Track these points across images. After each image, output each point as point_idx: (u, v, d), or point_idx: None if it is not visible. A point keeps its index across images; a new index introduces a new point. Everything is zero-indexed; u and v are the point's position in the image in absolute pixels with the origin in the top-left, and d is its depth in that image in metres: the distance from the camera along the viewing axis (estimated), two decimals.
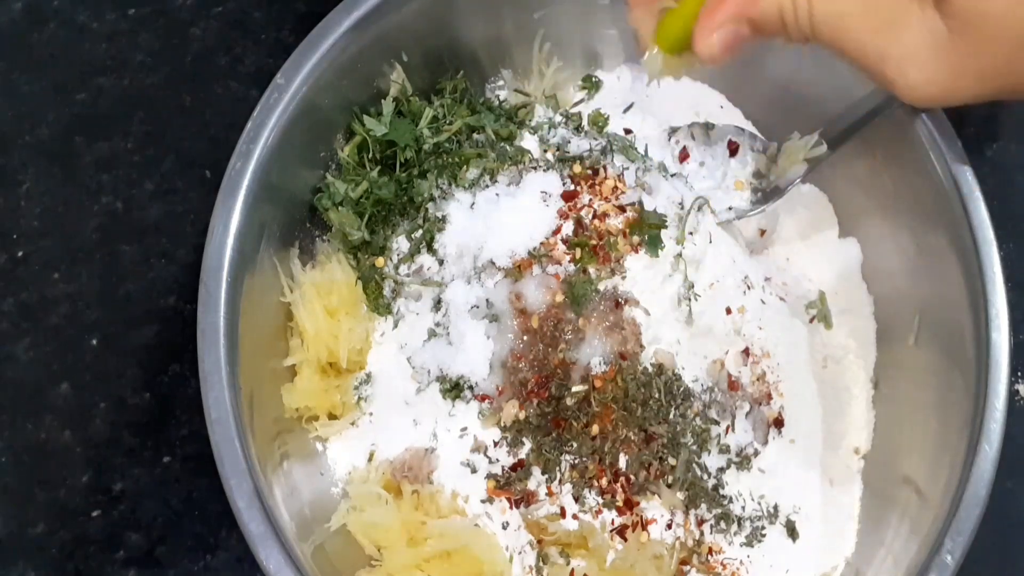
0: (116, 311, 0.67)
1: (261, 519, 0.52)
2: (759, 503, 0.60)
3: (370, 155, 0.63)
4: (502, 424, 0.59)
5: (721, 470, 0.60)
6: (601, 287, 0.60)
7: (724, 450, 0.60)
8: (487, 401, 0.60)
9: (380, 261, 0.63)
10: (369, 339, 0.62)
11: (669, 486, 0.59)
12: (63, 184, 0.70)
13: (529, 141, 0.64)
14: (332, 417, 0.61)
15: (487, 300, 0.60)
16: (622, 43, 0.69)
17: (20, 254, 0.68)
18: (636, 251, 0.61)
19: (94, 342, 0.66)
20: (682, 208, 0.61)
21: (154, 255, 0.68)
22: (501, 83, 0.68)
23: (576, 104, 0.69)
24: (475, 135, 0.64)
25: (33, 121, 0.71)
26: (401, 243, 0.63)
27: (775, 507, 0.60)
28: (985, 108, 0.72)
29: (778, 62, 0.65)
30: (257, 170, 0.57)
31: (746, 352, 0.62)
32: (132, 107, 0.72)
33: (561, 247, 0.61)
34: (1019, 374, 0.66)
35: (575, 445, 0.59)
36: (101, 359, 0.66)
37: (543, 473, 0.59)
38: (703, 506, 0.59)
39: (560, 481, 0.59)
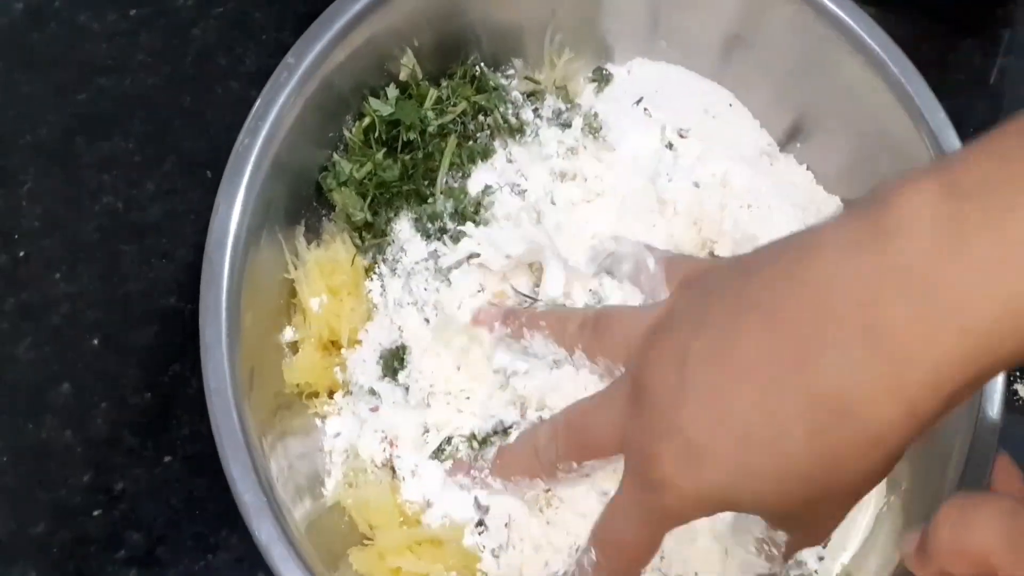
0: (117, 311, 0.67)
1: (256, 490, 0.51)
2: None
3: (376, 135, 0.64)
4: None
5: None
6: None
7: None
8: None
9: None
10: (372, 318, 0.63)
11: None
12: (64, 184, 0.70)
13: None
14: (332, 395, 0.61)
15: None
16: (634, 37, 0.69)
17: (21, 254, 0.68)
18: None
19: (95, 342, 0.66)
20: None
21: (155, 255, 0.68)
22: (511, 72, 0.68)
23: (589, 82, 0.70)
24: (481, 117, 0.65)
25: (34, 121, 0.71)
26: (403, 227, 0.63)
27: None
28: (985, 108, 0.72)
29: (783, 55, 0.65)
30: (265, 146, 0.57)
31: None
32: (133, 107, 0.72)
33: None
34: (1017, 374, 0.66)
35: None
36: (102, 359, 0.66)
37: None
38: None
39: None
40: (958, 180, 0.31)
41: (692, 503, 0.39)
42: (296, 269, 0.61)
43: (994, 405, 0.53)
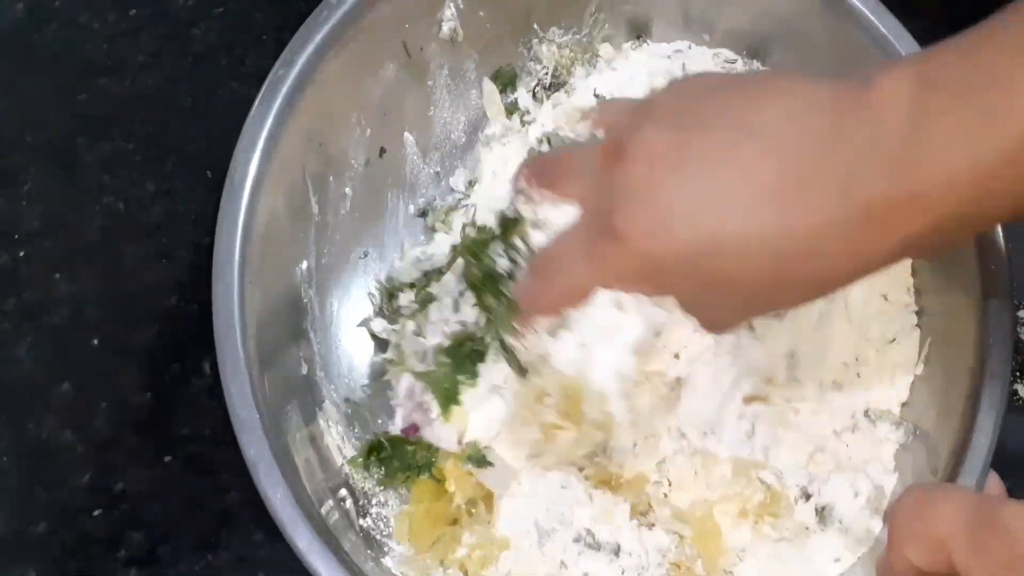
0: (117, 311, 0.67)
1: (251, 407, 0.52)
2: None
3: None
4: None
5: None
6: None
7: None
8: None
9: None
10: None
11: None
12: (65, 185, 0.70)
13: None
14: None
15: None
16: (678, 18, 0.69)
17: (21, 254, 0.68)
18: None
19: (95, 342, 0.66)
20: None
21: (155, 256, 0.68)
22: (549, 37, 0.69)
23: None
24: None
25: (34, 122, 0.71)
26: None
27: None
28: None
29: None
30: (299, 79, 0.58)
31: None
32: (133, 108, 0.72)
33: None
34: (1018, 374, 0.66)
35: None
36: (102, 359, 0.66)
37: None
38: None
39: None
40: (931, 71, 0.37)
41: (636, 265, 0.40)
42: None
43: (987, 433, 0.53)
